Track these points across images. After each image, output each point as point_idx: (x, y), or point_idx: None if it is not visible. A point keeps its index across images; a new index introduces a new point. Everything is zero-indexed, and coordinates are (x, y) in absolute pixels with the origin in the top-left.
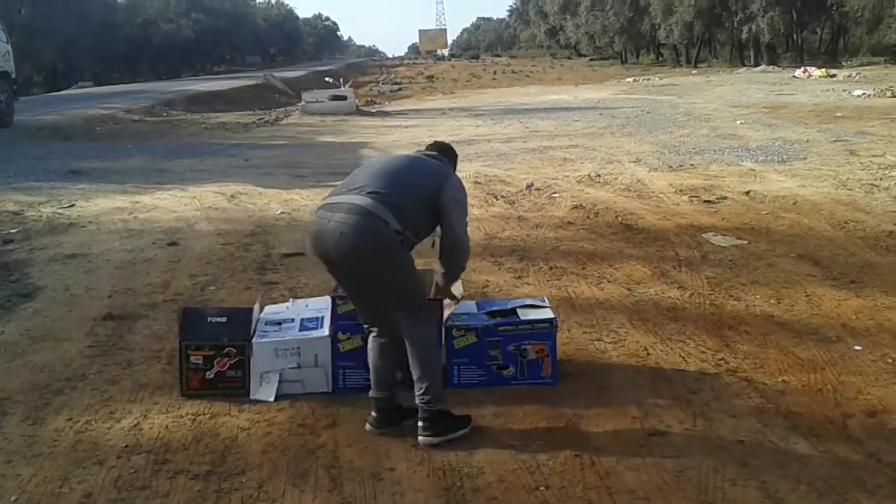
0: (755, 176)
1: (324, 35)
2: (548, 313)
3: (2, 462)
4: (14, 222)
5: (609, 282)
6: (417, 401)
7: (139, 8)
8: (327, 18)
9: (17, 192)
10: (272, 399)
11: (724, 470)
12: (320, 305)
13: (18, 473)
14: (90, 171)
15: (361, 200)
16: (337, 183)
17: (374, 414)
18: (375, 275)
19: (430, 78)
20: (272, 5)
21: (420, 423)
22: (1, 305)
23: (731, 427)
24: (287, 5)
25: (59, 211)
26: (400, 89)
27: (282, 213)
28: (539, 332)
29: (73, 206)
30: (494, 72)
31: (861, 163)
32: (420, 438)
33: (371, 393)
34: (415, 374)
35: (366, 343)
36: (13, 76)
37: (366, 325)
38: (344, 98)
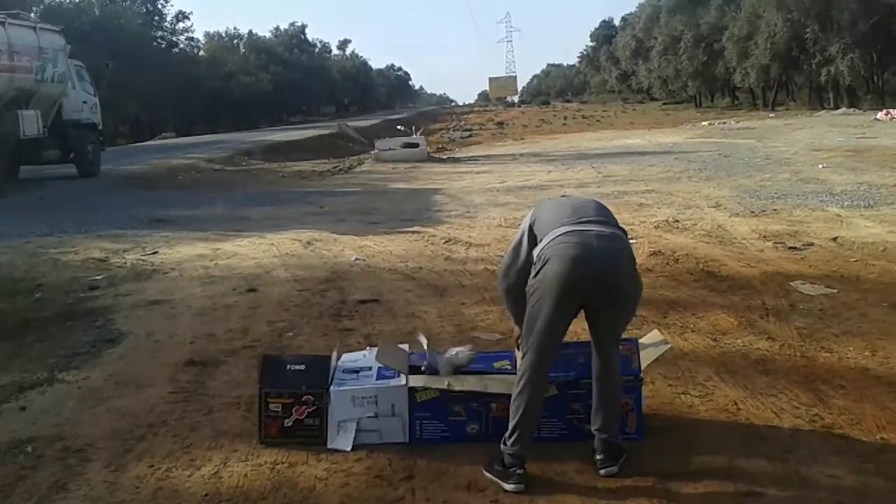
0: (841, 221)
1: (396, 84)
2: (633, 366)
3: None
4: (99, 269)
5: (693, 332)
6: (604, 435)
7: (220, 62)
8: (399, 68)
9: (102, 239)
10: (349, 448)
11: None
12: None
13: None
14: (173, 219)
15: (614, 230)
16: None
17: (521, 472)
18: (628, 299)
19: (500, 124)
20: (347, 57)
21: (601, 456)
22: (86, 351)
23: (830, 488)
24: (361, 57)
25: (143, 258)
26: (470, 136)
27: (356, 259)
28: (625, 385)
29: (156, 253)
30: (565, 117)
31: None
32: (605, 471)
33: (523, 448)
34: (607, 406)
35: (443, 394)
36: (100, 128)
37: (529, 373)
38: (416, 145)
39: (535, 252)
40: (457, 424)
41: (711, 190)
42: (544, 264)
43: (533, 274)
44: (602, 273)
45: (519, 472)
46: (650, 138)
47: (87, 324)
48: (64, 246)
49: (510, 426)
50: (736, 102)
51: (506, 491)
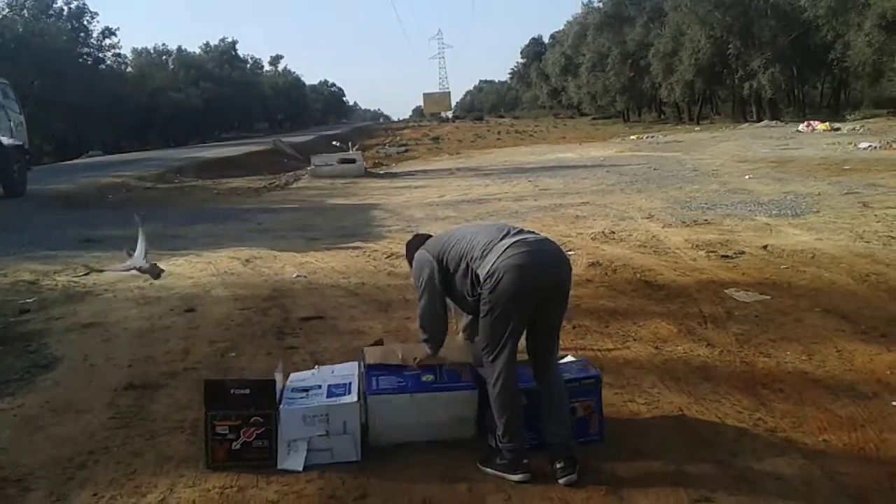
0: (771, 230)
1: (330, 100)
2: (592, 370)
3: None
4: (30, 292)
5: (635, 340)
6: (560, 440)
7: (148, 78)
8: (333, 84)
9: (32, 261)
10: (300, 469)
11: None
12: (346, 371)
13: None
14: (104, 239)
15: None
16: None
17: (526, 461)
18: (565, 303)
19: (436, 139)
20: (279, 73)
21: (561, 464)
22: (20, 377)
23: (777, 491)
24: (294, 73)
25: (75, 279)
26: (406, 151)
27: (297, 276)
28: (586, 388)
29: (88, 274)
30: (499, 132)
31: (875, 215)
32: (565, 479)
33: (518, 441)
34: (562, 411)
35: None
36: (26, 147)
37: (504, 373)
38: (352, 161)
39: (482, 270)
40: (412, 377)
41: (644, 202)
42: (500, 278)
43: (488, 290)
44: (556, 275)
45: (525, 461)
46: (582, 152)
47: (20, 349)
48: None
49: (499, 425)
50: (662, 117)
51: (514, 482)
